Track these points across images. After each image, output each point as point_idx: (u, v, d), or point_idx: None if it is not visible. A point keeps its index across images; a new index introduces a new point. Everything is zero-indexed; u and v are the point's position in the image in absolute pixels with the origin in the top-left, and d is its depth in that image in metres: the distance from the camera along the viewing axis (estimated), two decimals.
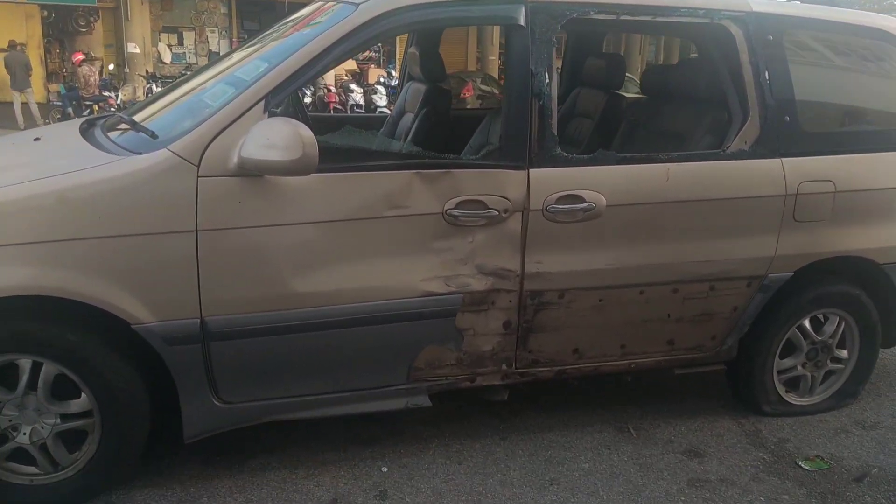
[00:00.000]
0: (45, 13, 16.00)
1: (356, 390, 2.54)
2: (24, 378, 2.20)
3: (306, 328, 2.37)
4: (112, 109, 12.54)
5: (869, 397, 3.26)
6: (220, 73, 2.83)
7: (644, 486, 2.56)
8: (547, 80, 2.52)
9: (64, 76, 16.00)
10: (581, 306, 2.66)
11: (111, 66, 16.03)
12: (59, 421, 2.27)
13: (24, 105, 13.58)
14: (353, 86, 16.40)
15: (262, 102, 2.27)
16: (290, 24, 3.01)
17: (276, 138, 2.13)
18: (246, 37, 18.81)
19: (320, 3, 3.03)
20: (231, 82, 2.51)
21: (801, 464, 2.73)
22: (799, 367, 3.07)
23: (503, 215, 2.48)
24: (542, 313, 2.62)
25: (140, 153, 2.25)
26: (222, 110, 2.26)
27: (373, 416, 2.71)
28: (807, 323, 3.01)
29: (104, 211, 2.13)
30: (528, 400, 3.09)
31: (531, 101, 2.50)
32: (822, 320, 3.05)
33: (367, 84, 17.28)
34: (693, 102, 3.17)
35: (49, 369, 2.20)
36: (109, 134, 2.60)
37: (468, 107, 12.00)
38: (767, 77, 2.78)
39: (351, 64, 18.21)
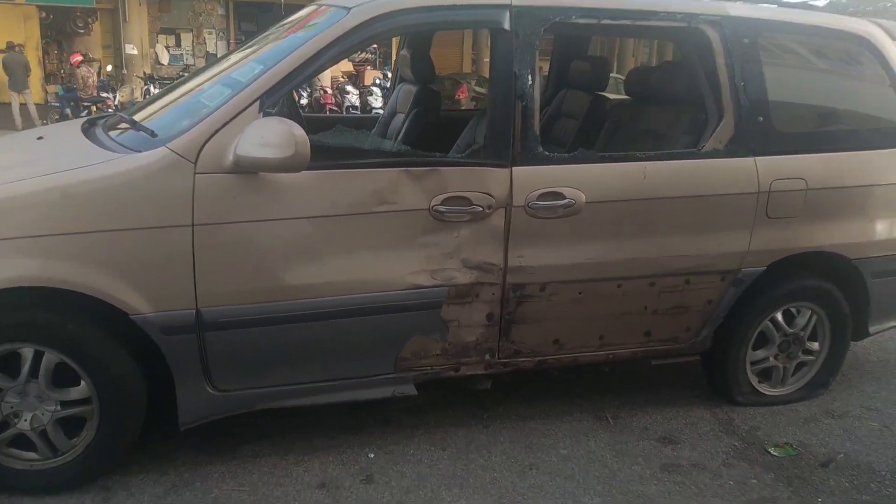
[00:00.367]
0: (44, 14, 16.07)
1: (345, 379, 2.65)
2: (26, 366, 2.30)
3: (297, 319, 2.48)
4: (110, 110, 12.63)
5: (839, 388, 3.38)
6: (216, 74, 2.94)
7: (619, 470, 2.68)
8: (530, 82, 2.64)
9: (62, 77, 16.07)
10: (561, 299, 2.77)
11: (109, 68, 16.11)
12: (58, 408, 2.37)
13: (23, 106, 13.68)
14: (349, 87, 16.54)
15: (258, 103, 2.38)
16: (285, 27, 3.12)
17: (270, 137, 2.25)
18: (243, 38, 18.88)
19: (314, 6, 3.14)
20: (227, 83, 2.62)
21: (771, 450, 2.85)
22: (771, 359, 3.19)
23: (487, 211, 2.59)
24: (524, 306, 2.74)
25: (140, 151, 2.36)
26: (219, 110, 2.37)
27: (361, 404, 2.82)
28: (779, 316, 3.13)
29: (105, 206, 2.24)
30: (511, 390, 3.20)
31: (515, 101, 2.62)
32: (795, 313, 3.17)
33: (363, 86, 17.43)
34: (673, 103, 3.28)
35: (50, 358, 2.30)
36: (110, 133, 2.71)
37: (461, 108, 12.12)
38: (742, 79, 2.90)
39: (347, 65, 18.34)
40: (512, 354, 2.83)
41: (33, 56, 15.25)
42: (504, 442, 2.83)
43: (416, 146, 2.99)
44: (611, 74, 4.28)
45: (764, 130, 2.93)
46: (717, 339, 3.09)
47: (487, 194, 2.59)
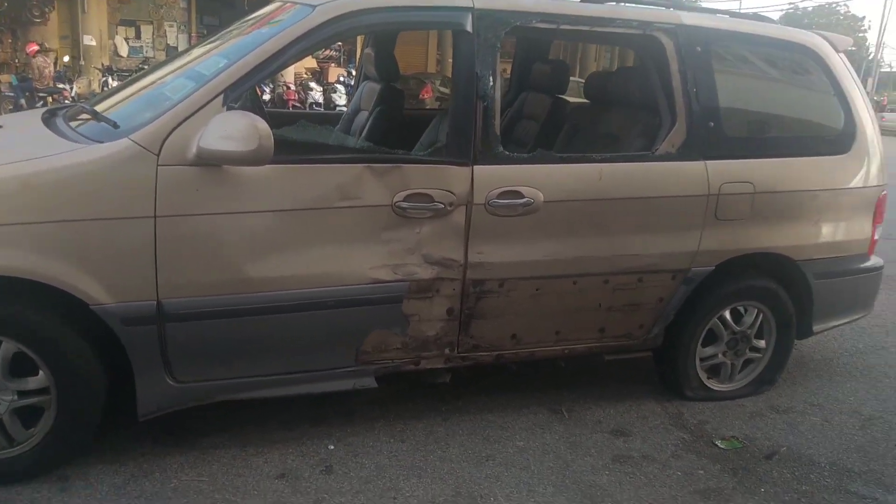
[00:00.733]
0: None
1: (306, 371, 2.69)
2: None
3: (259, 312, 2.51)
4: (66, 101, 12.37)
5: (785, 385, 3.52)
6: (179, 67, 2.95)
7: (572, 461, 2.76)
8: (491, 83, 2.70)
9: (16, 67, 15.66)
10: (519, 295, 2.85)
11: (66, 58, 15.75)
12: (16, 397, 2.35)
13: None
14: (312, 84, 16.48)
15: (221, 96, 2.40)
16: (250, 22, 3.14)
17: (233, 130, 2.27)
18: (205, 32, 18.64)
19: (279, 3, 3.17)
20: (191, 77, 2.64)
21: (718, 443, 2.96)
22: (720, 356, 3.31)
23: (448, 208, 2.65)
24: (483, 301, 2.81)
25: (102, 142, 2.36)
26: (182, 103, 2.39)
27: (322, 397, 2.85)
28: (727, 314, 3.25)
29: (66, 196, 2.24)
30: (470, 384, 3.27)
31: (476, 102, 2.68)
32: (742, 312, 3.29)
33: (327, 83, 17.37)
34: (629, 107, 3.39)
35: (8, 347, 2.29)
36: (71, 123, 2.70)
37: (426, 107, 12.16)
38: (695, 85, 3.01)
39: (311, 62, 18.24)
40: (471, 349, 2.89)
41: None
42: (462, 434, 2.89)
43: (379, 143, 3.04)
44: (571, 78, 4.38)
45: (714, 135, 3.05)
46: (668, 336, 3.20)
47: (449, 192, 2.65)
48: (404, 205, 2.60)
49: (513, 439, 2.88)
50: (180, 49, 18.34)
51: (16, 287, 2.23)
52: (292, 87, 16.14)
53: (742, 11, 3.46)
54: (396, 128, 3.70)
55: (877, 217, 3.45)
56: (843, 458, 2.91)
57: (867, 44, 46.96)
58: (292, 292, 2.53)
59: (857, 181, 3.35)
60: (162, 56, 17.99)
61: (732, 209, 3.07)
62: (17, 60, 15.99)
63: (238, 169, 2.39)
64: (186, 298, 2.42)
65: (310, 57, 12.96)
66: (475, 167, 2.69)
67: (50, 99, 12.55)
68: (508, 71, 4.55)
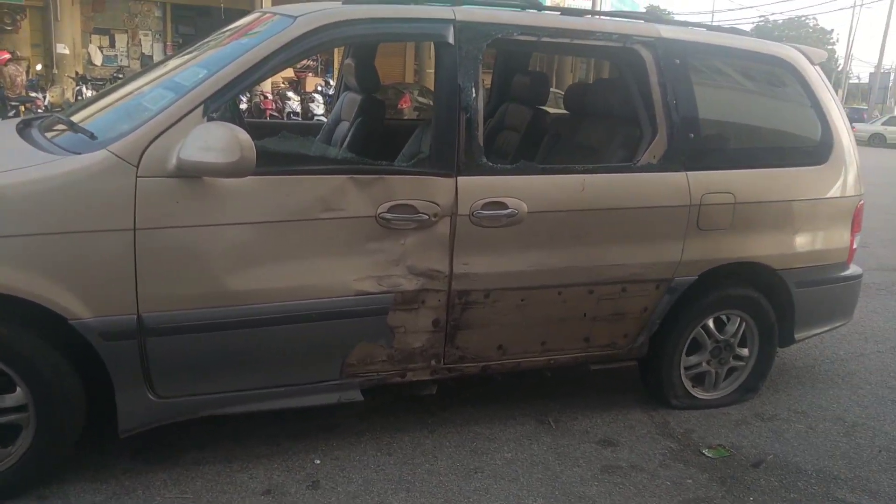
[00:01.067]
0: None
1: (291, 385, 2.65)
2: None
3: (242, 325, 2.47)
4: (39, 111, 12.19)
5: (768, 392, 3.54)
6: (157, 78, 2.91)
7: (561, 472, 2.75)
8: (474, 95, 2.70)
9: None
10: (505, 305, 2.84)
11: (38, 67, 15.55)
12: None
13: None
14: (290, 93, 16.41)
15: (202, 107, 2.37)
16: (228, 33, 3.12)
17: (214, 141, 2.24)
18: (181, 41, 18.51)
19: (258, 14, 3.15)
20: (170, 87, 2.61)
21: (705, 452, 2.97)
22: (704, 364, 3.33)
23: (433, 219, 2.64)
24: (469, 312, 2.79)
25: (80, 153, 2.32)
26: (162, 113, 2.35)
27: (306, 410, 2.81)
28: (710, 323, 3.27)
29: (43, 208, 2.19)
30: (456, 395, 3.25)
31: (459, 113, 2.68)
32: (725, 321, 3.31)
33: (305, 92, 17.31)
34: (609, 119, 3.41)
35: None
36: (47, 134, 2.65)
37: (404, 118, 12.17)
38: (674, 97, 3.03)
39: (288, 72, 18.17)
40: (457, 360, 2.87)
41: None
42: (449, 446, 2.87)
43: (360, 154, 3.02)
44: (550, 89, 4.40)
45: (695, 147, 3.07)
46: (653, 345, 3.21)
47: (433, 203, 2.64)
48: (388, 216, 2.58)
49: (500, 451, 2.86)
50: (155, 58, 18.22)
51: None
52: (269, 97, 16.07)
53: (717, 25, 3.46)
54: (378, 138, 3.69)
55: (855, 226, 3.49)
56: (829, 465, 2.93)
57: (836, 56, 47.96)
58: (276, 305, 2.50)
59: (835, 191, 3.39)
60: (137, 65, 17.84)
61: (714, 219, 3.09)
62: None
63: (219, 180, 2.36)
64: (167, 312, 2.37)
65: None
66: (459, 178, 2.68)
67: (22, 108, 12.35)
68: (489, 82, 4.55)
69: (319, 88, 17.22)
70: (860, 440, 3.16)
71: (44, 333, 2.28)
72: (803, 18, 52.70)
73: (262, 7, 15.07)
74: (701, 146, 3.07)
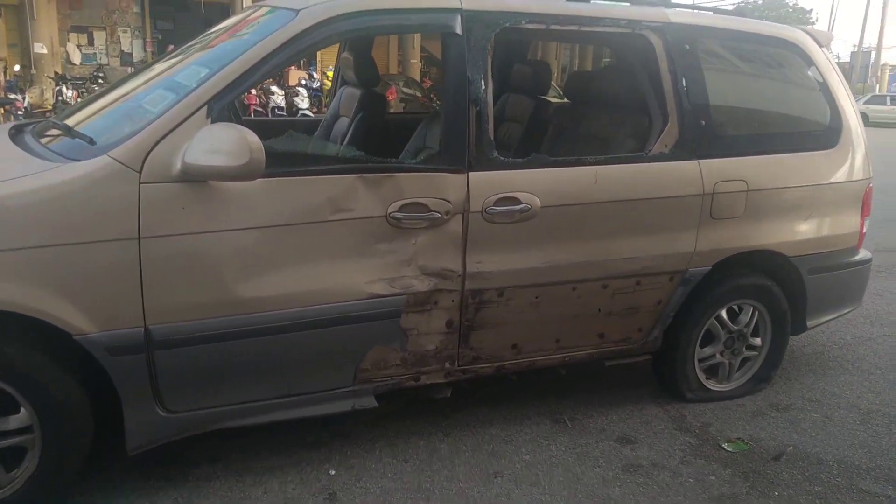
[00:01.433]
0: None
1: (303, 394, 2.56)
2: None
3: (253, 334, 2.38)
4: (20, 112, 11.96)
5: (781, 381, 3.51)
6: (153, 78, 2.80)
7: (582, 473, 2.69)
8: (483, 87, 2.62)
9: None
10: (519, 303, 2.77)
11: (17, 67, 15.24)
12: None
13: None
14: (273, 88, 16.18)
15: (205, 108, 2.28)
16: (223, 29, 3.01)
17: (221, 144, 2.15)
18: (160, 37, 18.25)
19: (255, 7, 3.04)
20: (170, 87, 2.50)
21: (725, 446, 2.92)
22: (717, 356, 3.28)
23: (445, 217, 2.56)
24: (483, 311, 2.72)
25: (79, 160, 2.21)
26: (164, 115, 2.25)
27: (318, 418, 2.73)
28: (724, 313, 3.22)
29: (43, 219, 2.09)
30: (468, 395, 3.18)
31: (469, 107, 2.60)
32: (737, 311, 3.27)
33: (288, 86, 17.08)
34: (615, 108, 3.33)
35: None
36: (41, 140, 2.54)
37: (392, 110, 12.03)
38: (685, 84, 2.97)
39: None
40: (471, 361, 2.80)
41: None
42: (466, 450, 2.80)
43: (362, 151, 2.93)
44: None
45: (706, 134, 3.01)
46: (667, 339, 3.15)
47: (445, 200, 2.56)
48: (399, 215, 2.50)
49: (519, 453, 2.80)
50: (135, 55, 17.96)
51: None
52: (253, 92, 15.82)
53: (723, 7, 3.40)
54: (379, 133, 3.60)
55: (864, 210, 3.46)
56: (848, 454, 2.89)
57: None
58: (286, 312, 2.41)
59: (845, 175, 3.35)
60: (117, 63, 17.57)
61: (727, 208, 3.03)
62: None
63: (225, 184, 2.26)
64: (176, 323, 2.28)
65: None
66: (470, 174, 2.60)
67: (1, 110, 12.11)
68: None
69: (303, 82, 16.99)
70: (877, 428, 3.12)
71: (48, 350, 2.19)
72: None
73: (241, 1, 14.85)
74: (712, 133, 3.01)
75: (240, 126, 2.20)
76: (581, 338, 2.98)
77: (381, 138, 3.53)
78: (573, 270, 2.82)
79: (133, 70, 17.08)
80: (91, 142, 2.32)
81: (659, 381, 3.35)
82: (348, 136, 3.56)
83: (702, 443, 2.94)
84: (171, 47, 15.64)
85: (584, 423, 3.06)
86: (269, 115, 14.75)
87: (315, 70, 18.42)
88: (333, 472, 2.63)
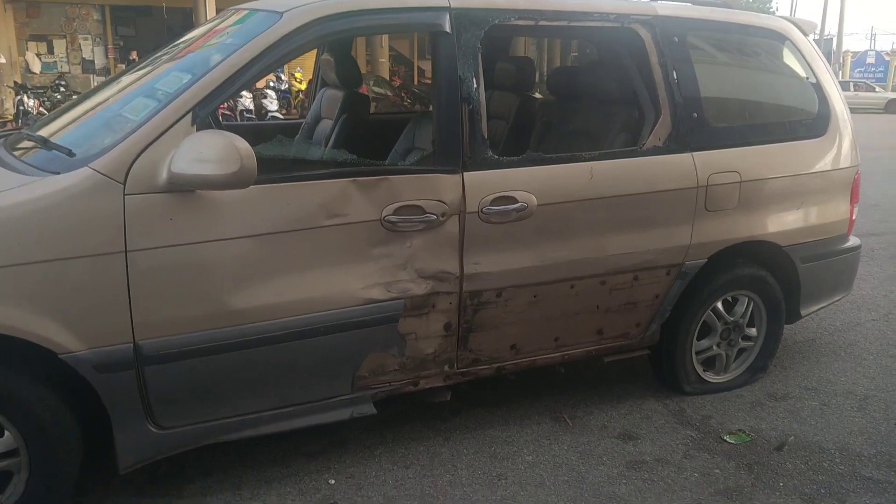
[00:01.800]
0: None
1: (300, 404, 2.49)
2: None
3: (246, 345, 2.31)
4: None
5: (776, 371, 3.51)
6: (129, 85, 2.71)
7: (587, 472, 2.65)
8: (475, 85, 2.57)
9: None
10: (517, 303, 2.72)
11: None
12: None
13: None
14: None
15: (190, 115, 2.19)
16: (200, 33, 2.92)
17: (209, 152, 2.06)
18: (121, 44, 17.89)
19: (227, 12, 2.95)
20: (150, 94, 2.41)
21: (726, 438, 2.91)
22: (714, 347, 3.27)
23: (441, 219, 2.50)
24: (481, 312, 2.67)
25: (58, 173, 2.12)
26: (147, 124, 2.16)
27: (314, 427, 2.65)
28: (720, 305, 3.21)
29: (24, 236, 1.99)
30: (466, 396, 3.12)
31: (461, 105, 2.54)
32: (733, 302, 3.26)
33: (256, 88, 16.83)
34: (604, 102, 3.30)
35: None
36: (15, 153, 2.44)
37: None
38: (675, 76, 2.95)
39: None
40: (471, 363, 2.75)
41: None
42: (468, 454, 2.75)
43: (348, 153, 2.86)
44: None
45: (699, 126, 2.99)
46: (665, 333, 3.13)
47: (440, 202, 2.50)
48: (394, 218, 2.44)
49: (521, 454, 2.76)
50: (97, 62, 17.60)
51: None
52: None
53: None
54: (363, 135, 3.53)
55: (853, 197, 3.47)
56: (849, 442, 2.89)
57: None
58: (281, 321, 2.34)
59: (834, 163, 3.35)
60: (78, 70, 17.22)
61: (721, 200, 3.02)
62: None
63: (213, 193, 2.18)
64: (166, 338, 2.20)
65: None
66: (465, 174, 2.55)
67: None
68: None
69: (271, 84, 16.77)
70: (875, 414, 3.13)
71: (33, 370, 2.09)
72: None
73: (205, 6, 14.60)
74: (705, 125, 3.00)
75: (228, 133, 2.12)
76: (580, 335, 2.94)
77: (365, 139, 3.46)
78: (571, 268, 2.78)
79: (95, 77, 16.86)
80: (70, 153, 2.23)
81: (657, 376, 3.33)
82: (333, 138, 3.49)
83: (703, 436, 2.92)
84: (135, 54, 15.45)
85: (584, 420, 3.03)
86: (238, 118, 14.55)
87: (282, 72, 18.20)
88: (333, 482, 2.56)
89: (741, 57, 3.33)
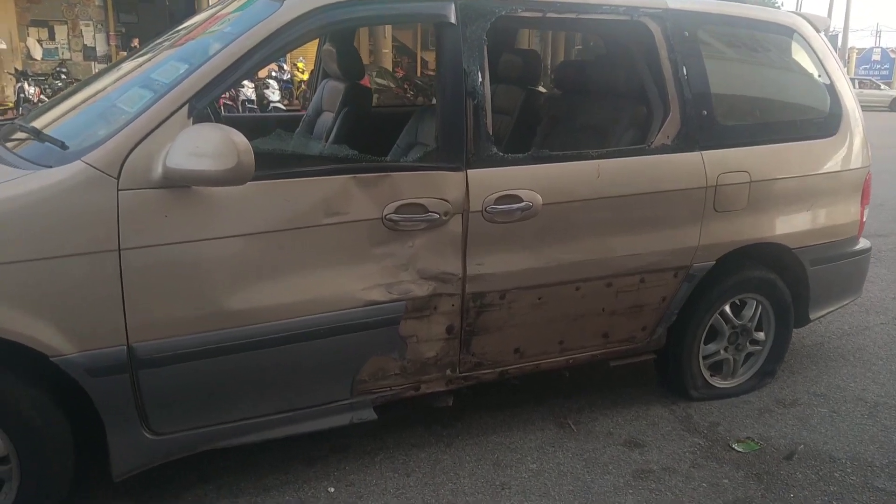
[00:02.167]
0: None
1: (299, 409, 2.42)
2: None
3: (244, 348, 2.23)
4: None
5: (784, 376, 3.44)
6: (125, 75, 2.63)
7: (592, 482, 2.58)
8: (480, 79, 2.49)
9: None
10: (521, 305, 2.65)
11: None
12: None
13: None
14: (244, 80, 15.82)
15: (186, 107, 2.11)
16: (198, 22, 2.84)
17: (206, 146, 1.98)
18: (123, 31, 17.74)
19: (226, 1, 2.86)
20: (146, 85, 2.33)
21: (735, 446, 2.84)
22: (722, 352, 3.19)
23: (443, 218, 2.42)
24: (485, 315, 2.60)
25: (50, 166, 2.04)
26: (142, 116, 2.08)
27: (314, 433, 2.58)
28: (727, 308, 3.13)
29: (13, 233, 1.92)
30: (468, 401, 3.05)
31: (466, 100, 2.46)
32: (741, 305, 3.18)
33: (258, 78, 16.72)
34: (612, 98, 3.22)
35: None
36: (7, 144, 2.35)
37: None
38: (685, 72, 2.86)
39: None
40: (473, 367, 2.68)
41: None
42: (470, 461, 2.68)
43: (349, 147, 2.79)
44: None
45: (708, 124, 2.91)
46: (671, 336, 3.06)
47: (443, 200, 2.43)
48: (395, 217, 2.36)
49: (524, 461, 2.69)
50: (98, 50, 17.45)
51: None
52: None
53: None
54: (365, 128, 3.45)
55: (864, 198, 3.39)
56: (860, 451, 2.83)
57: None
58: (279, 323, 2.26)
59: (845, 163, 3.28)
60: (79, 57, 17.07)
61: (730, 200, 2.94)
62: None
63: (210, 189, 2.10)
64: (161, 340, 2.12)
65: None
66: (469, 171, 2.47)
67: None
68: None
69: (273, 74, 16.65)
70: (886, 421, 3.06)
71: (22, 374, 2.02)
72: None
73: None
74: (714, 123, 2.91)
75: (226, 126, 2.04)
76: (585, 339, 2.87)
77: (367, 133, 3.38)
78: (577, 269, 2.71)
79: (97, 65, 16.73)
80: (63, 146, 2.14)
81: (663, 380, 3.25)
82: (334, 132, 3.41)
83: (711, 444, 2.85)
84: (136, 41, 15.33)
85: (589, 426, 2.96)
86: (240, 108, 14.45)
87: (285, 62, 18.08)
88: (333, 490, 2.49)
89: (752, 53, 3.24)
